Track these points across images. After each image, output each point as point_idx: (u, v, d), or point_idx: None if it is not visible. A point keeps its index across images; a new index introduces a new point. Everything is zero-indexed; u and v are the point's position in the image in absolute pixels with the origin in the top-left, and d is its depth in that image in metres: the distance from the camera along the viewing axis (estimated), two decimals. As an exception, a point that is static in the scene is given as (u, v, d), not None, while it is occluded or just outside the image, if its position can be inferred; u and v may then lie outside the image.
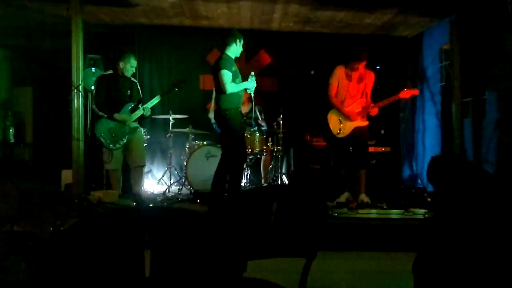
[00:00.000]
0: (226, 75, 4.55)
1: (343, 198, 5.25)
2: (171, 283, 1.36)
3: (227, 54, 4.70)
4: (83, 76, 5.25)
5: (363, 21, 6.39)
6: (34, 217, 3.05)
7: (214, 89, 4.88)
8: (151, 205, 4.40)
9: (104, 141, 4.99)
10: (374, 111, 5.16)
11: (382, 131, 6.61)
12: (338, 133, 5.26)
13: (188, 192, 5.91)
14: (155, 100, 5.24)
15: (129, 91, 5.21)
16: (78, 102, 5.05)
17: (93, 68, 6.20)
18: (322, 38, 7.08)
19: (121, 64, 5.11)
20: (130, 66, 5.16)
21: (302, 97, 7.25)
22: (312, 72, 7.19)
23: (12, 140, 6.96)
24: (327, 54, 7.08)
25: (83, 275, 1.26)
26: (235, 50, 4.74)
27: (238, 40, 4.74)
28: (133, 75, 5.31)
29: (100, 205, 4.18)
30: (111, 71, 5.21)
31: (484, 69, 5.35)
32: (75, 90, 5.07)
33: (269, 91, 7.19)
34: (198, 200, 5.37)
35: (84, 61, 5.41)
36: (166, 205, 4.76)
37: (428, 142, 6.74)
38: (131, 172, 5.22)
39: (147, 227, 1.33)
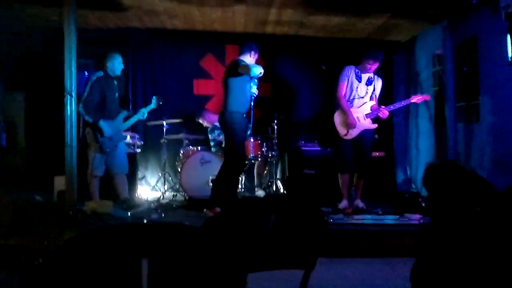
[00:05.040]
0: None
1: (342, 204, 5.20)
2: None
3: (242, 60, 4.76)
4: (76, 81, 5.19)
5: (356, 26, 6.40)
6: (27, 229, 3.00)
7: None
8: (145, 220, 4.35)
9: (103, 145, 4.90)
10: (384, 114, 5.11)
11: (376, 136, 6.61)
12: (346, 135, 5.15)
13: (183, 198, 5.88)
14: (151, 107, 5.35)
15: (117, 94, 5.18)
16: (71, 107, 4.98)
17: (85, 72, 6.15)
18: (316, 42, 7.07)
19: (109, 64, 5.00)
20: (118, 63, 5.07)
21: (297, 102, 7.26)
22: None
23: (4, 146, 6.88)
24: (321, 57, 7.10)
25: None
26: (248, 60, 4.79)
27: (253, 52, 4.85)
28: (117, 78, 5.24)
29: (94, 217, 4.13)
30: (101, 73, 5.06)
31: (477, 74, 5.37)
32: (68, 96, 5.00)
33: (263, 96, 7.17)
34: (192, 207, 5.35)
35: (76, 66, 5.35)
36: (160, 219, 4.70)
37: (422, 146, 6.76)
38: (115, 179, 5.06)
39: (143, 246, 1.30)
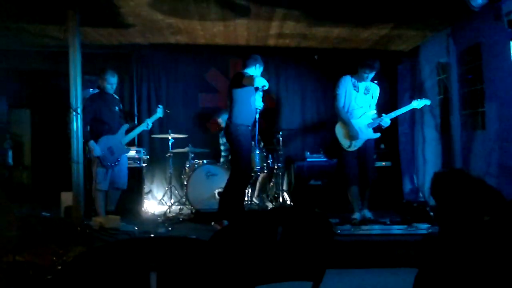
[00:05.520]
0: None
1: (355, 216, 5.05)
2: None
3: (246, 72, 4.77)
4: (81, 97, 5.23)
5: (359, 36, 6.41)
6: (34, 245, 3.00)
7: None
8: (152, 235, 4.34)
9: (103, 160, 4.94)
10: (386, 122, 5.04)
11: (382, 146, 6.59)
12: (349, 146, 5.07)
13: (189, 211, 5.87)
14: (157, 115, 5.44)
15: (117, 107, 5.21)
16: (77, 124, 5.02)
17: (91, 89, 6.21)
18: (319, 53, 7.09)
19: (100, 81, 5.15)
20: (107, 83, 5.15)
21: (301, 112, 7.25)
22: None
23: (10, 163, 6.92)
24: (324, 69, 7.12)
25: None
26: (253, 73, 4.78)
27: (258, 65, 4.87)
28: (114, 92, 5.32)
29: (102, 232, 4.12)
30: (97, 90, 5.18)
31: (482, 81, 5.36)
32: (74, 112, 5.04)
33: (267, 108, 7.18)
34: (199, 220, 5.34)
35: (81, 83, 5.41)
36: (167, 232, 4.69)
37: (428, 155, 6.72)
38: (110, 192, 5.12)
39: (151, 260, 1.30)
